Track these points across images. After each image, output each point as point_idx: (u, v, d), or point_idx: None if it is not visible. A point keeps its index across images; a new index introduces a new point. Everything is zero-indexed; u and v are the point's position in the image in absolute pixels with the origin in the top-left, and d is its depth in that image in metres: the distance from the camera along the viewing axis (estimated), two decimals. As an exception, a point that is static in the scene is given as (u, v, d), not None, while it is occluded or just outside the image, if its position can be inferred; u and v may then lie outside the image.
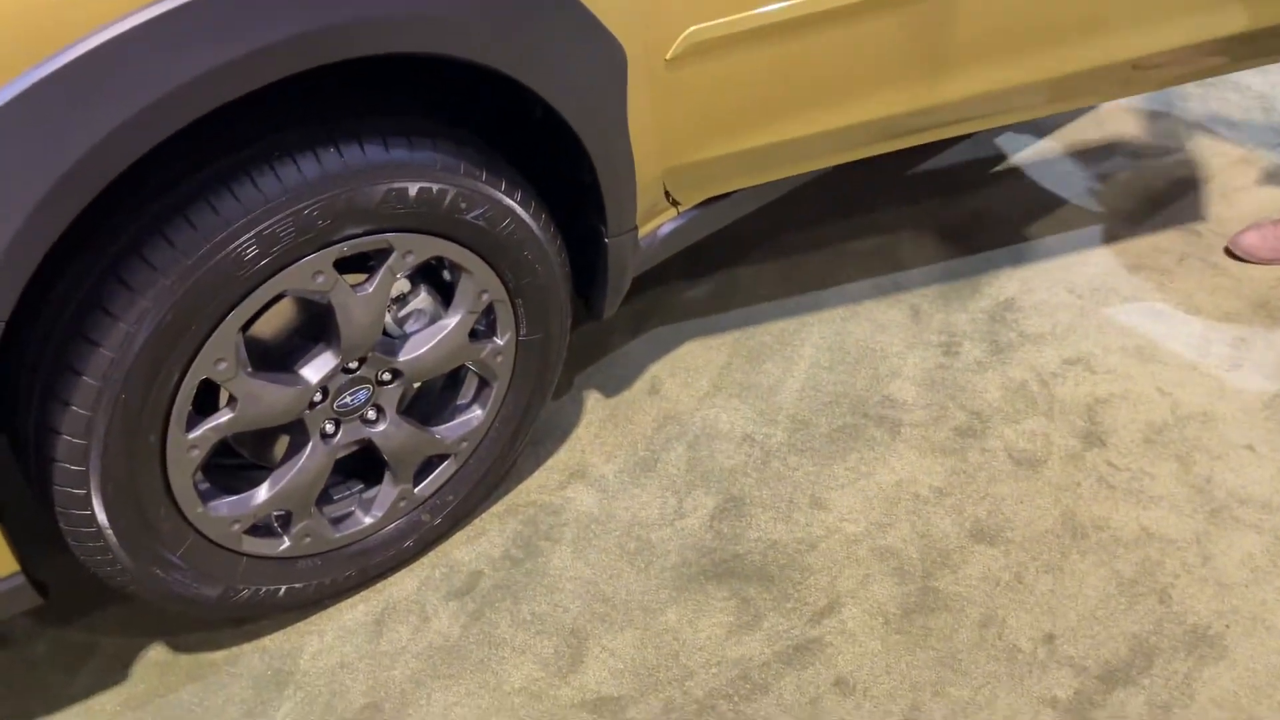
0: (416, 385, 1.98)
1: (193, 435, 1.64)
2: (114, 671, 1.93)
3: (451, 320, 1.86)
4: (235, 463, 1.86)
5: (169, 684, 1.91)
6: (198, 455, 1.66)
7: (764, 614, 2.00)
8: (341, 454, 1.88)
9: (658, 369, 2.47)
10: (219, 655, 1.95)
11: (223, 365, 1.60)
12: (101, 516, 1.59)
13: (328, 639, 1.98)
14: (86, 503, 1.57)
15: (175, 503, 1.68)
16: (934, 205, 2.92)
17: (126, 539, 1.64)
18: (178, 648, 1.96)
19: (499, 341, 1.95)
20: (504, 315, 1.92)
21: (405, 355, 1.84)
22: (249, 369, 1.66)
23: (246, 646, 1.97)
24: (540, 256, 1.86)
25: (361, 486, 2.01)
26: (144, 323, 1.47)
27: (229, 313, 1.56)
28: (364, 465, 2.01)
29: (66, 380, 1.49)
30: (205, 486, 1.75)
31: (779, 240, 2.81)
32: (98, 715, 1.87)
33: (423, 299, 1.85)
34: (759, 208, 2.36)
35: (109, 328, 1.47)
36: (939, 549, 2.10)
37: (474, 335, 1.92)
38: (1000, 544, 2.09)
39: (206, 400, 1.69)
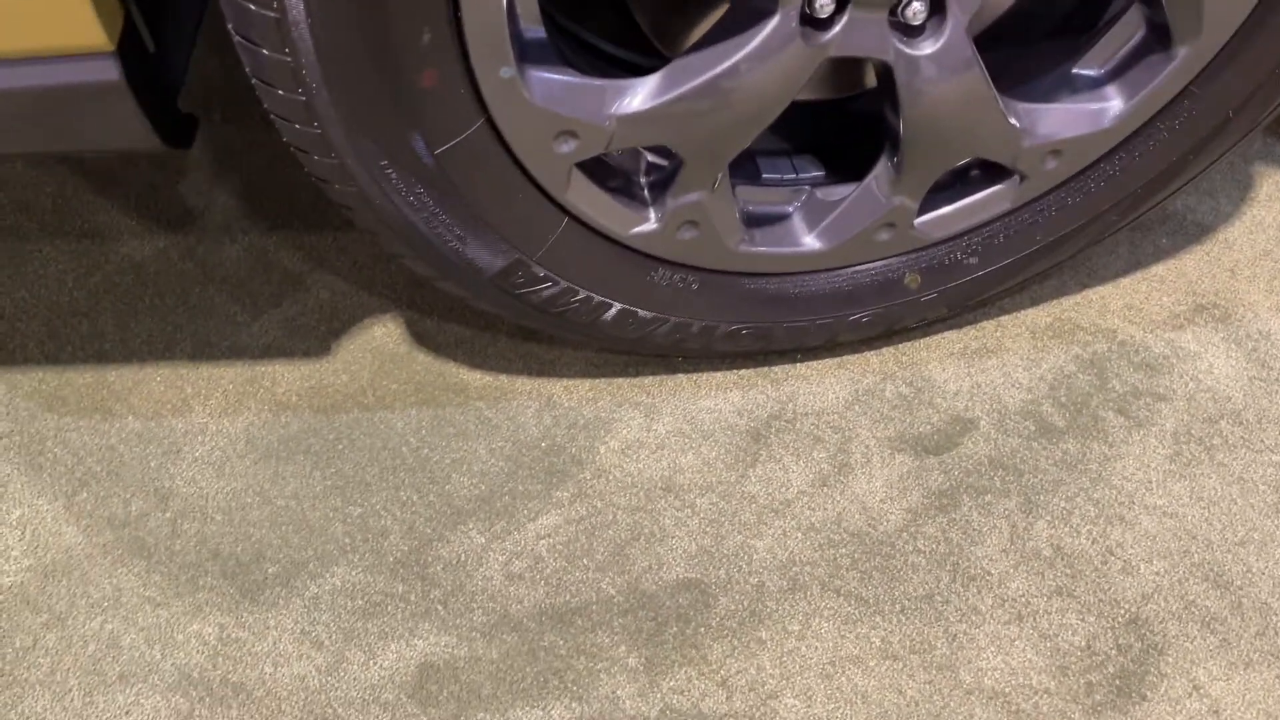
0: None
1: None
2: (317, 332, 1.11)
3: None
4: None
5: (383, 393, 1.07)
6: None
7: None
8: (819, 76, 0.86)
9: None
10: (476, 379, 1.08)
11: None
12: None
13: (659, 428, 1.04)
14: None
15: (460, 32, 0.74)
16: None
17: (336, 73, 0.73)
18: (420, 338, 1.11)
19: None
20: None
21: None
22: None
23: (523, 384, 1.08)
24: None
25: (821, 176, 1.00)
26: None
27: None
28: (838, 137, 1.00)
29: None
30: (533, 35, 0.80)
31: None
32: (277, 413, 1.07)
33: None
34: None
35: None
36: None
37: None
38: None
39: None
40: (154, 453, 1.03)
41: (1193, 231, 1.18)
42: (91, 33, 0.70)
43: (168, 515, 0.99)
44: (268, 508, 1.00)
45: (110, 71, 0.72)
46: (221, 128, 1.30)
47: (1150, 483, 0.99)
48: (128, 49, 0.72)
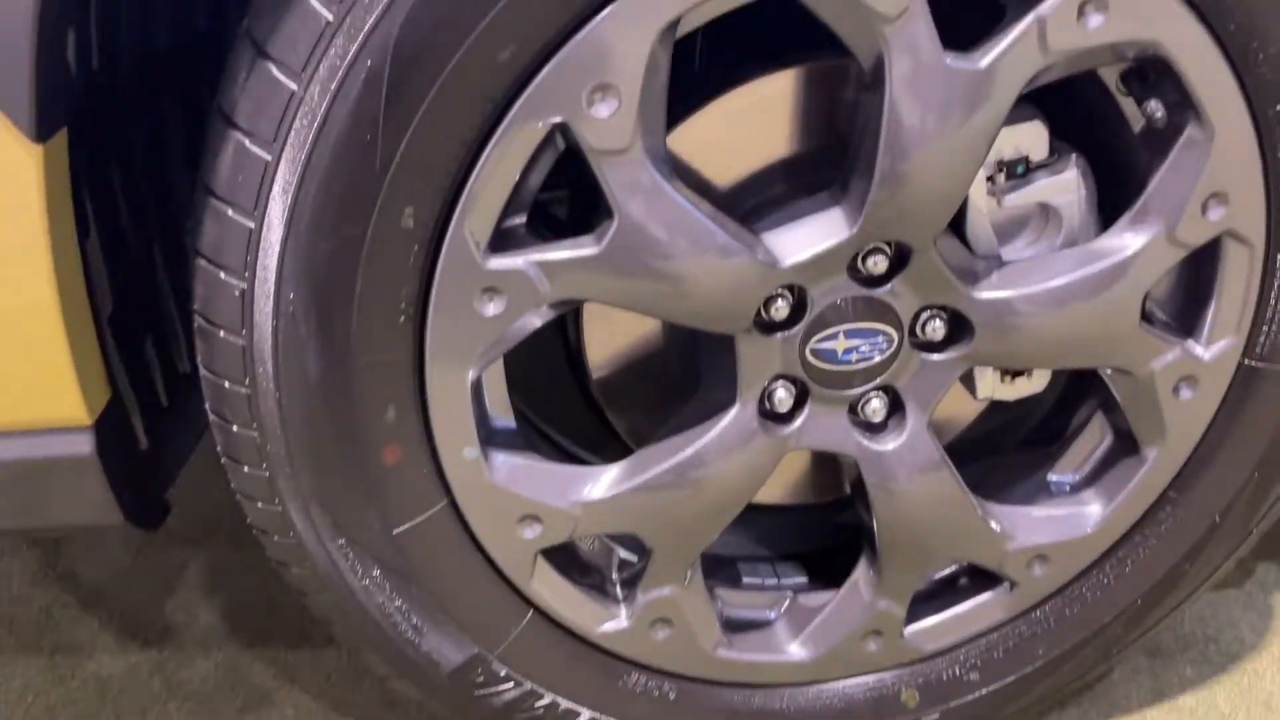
0: (985, 402, 0.92)
1: (498, 264, 0.73)
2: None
3: (1122, 247, 0.80)
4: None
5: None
6: (497, 321, 0.75)
7: None
8: (799, 481, 0.87)
9: None
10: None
11: (604, 107, 0.69)
12: (264, 364, 0.72)
13: None
14: (240, 315, 0.72)
15: (425, 411, 0.76)
16: None
17: (299, 447, 0.75)
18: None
19: (1199, 351, 0.85)
20: (1234, 281, 0.83)
21: (992, 289, 0.81)
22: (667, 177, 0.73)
23: (486, 813, 0.97)
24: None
25: (803, 582, 0.97)
26: None
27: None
28: (820, 543, 0.99)
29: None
30: (501, 424, 0.83)
31: None
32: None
33: (1069, 179, 0.82)
34: None
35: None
36: None
37: (1147, 319, 0.85)
38: None
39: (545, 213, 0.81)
40: None
41: (1218, 661, 1.11)
42: (73, 407, 0.73)
43: None
44: None
45: (83, 445, 0.74)
46: (221, 549, 1.31)
47: None
48: (106, 425, 0.75)
